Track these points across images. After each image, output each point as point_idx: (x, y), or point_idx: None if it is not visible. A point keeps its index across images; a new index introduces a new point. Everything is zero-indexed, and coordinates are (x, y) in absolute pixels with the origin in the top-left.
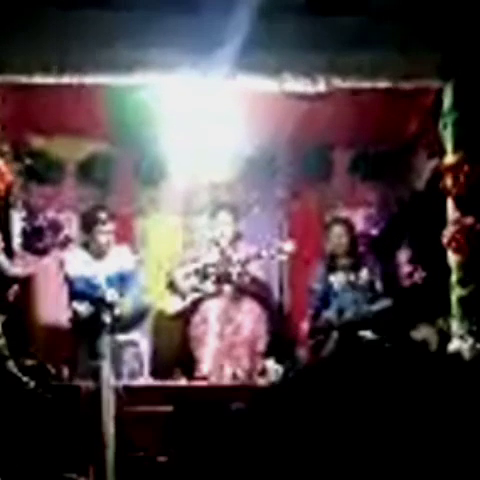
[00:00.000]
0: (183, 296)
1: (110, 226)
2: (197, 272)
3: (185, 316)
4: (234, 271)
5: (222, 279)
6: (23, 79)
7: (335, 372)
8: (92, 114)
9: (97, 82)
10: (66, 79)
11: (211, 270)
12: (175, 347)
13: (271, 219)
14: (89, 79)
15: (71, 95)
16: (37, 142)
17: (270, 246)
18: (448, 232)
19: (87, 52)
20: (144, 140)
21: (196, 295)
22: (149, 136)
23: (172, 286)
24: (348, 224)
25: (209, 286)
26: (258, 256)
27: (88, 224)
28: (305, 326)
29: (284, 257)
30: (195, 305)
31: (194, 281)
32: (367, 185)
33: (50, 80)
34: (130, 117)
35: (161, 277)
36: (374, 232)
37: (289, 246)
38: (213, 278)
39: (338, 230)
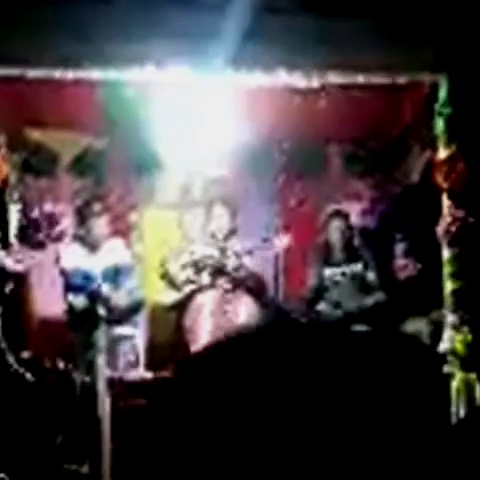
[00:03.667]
0: (178, 288)
1: (105, 218)
2: (193, 264)
3: (180, 308)
4: (229, 264)
5: (217, 272)
6: (18, 72)
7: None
8: (87, 107)
9: (92, 76)
10: (61, 72)
11: (206, 262)
12: (170, 339)
13: (266, 213)
14: (84, 73)
15: (67, 88)
16: (33, 135)
17: (265, 240)
18: (442, 225)
19: (82, 46)
20: (139, 134)
21: (191, 287)
22: (144, 130)
23: (166, 277)
24: (346, 218)
25: (204, 278)
26: (253, 249)
27: (83, 217)
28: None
29: (279, 251)
30: (190, 297)
31: (189, 273)
32: (362, 179)
33: (45, 73)
34: (125, 111)
35: (157, 270)
36: (369, 225)
37: (284, 240)
38: (208, 270)
39: (337, 224)
